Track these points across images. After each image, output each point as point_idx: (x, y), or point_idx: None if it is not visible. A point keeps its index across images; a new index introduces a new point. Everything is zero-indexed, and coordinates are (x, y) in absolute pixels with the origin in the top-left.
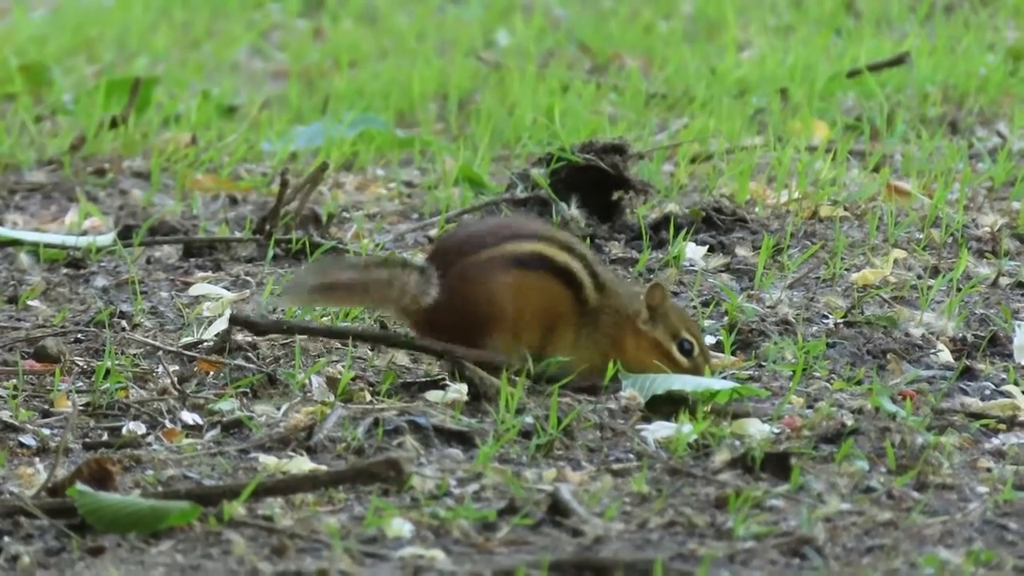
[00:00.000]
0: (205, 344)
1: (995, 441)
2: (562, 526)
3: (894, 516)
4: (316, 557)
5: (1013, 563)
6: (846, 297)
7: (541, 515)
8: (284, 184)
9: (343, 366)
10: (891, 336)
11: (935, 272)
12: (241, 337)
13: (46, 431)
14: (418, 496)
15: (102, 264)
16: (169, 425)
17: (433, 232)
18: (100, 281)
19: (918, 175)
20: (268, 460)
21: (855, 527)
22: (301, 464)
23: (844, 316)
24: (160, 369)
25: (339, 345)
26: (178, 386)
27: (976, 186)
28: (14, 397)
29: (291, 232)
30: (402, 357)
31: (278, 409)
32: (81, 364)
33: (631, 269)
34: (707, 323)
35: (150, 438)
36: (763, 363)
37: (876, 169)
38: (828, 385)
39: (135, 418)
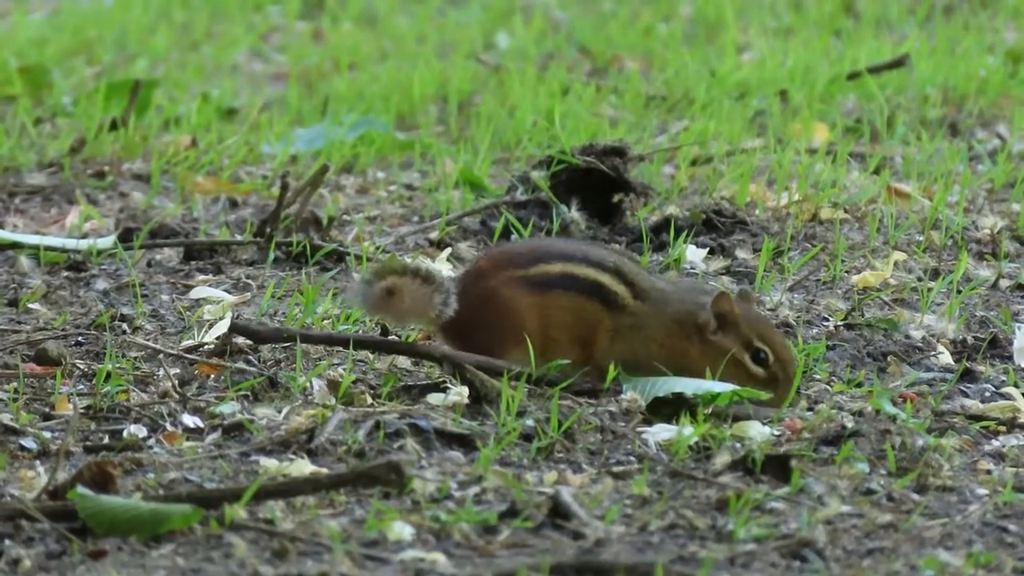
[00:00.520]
0: (206, 347)
1: (995, 443)
2: (563, 529)
3: (894, 518)
4: (317, 560)
5: (1013, 565)
6: (846, 299)
7: (542, 518)
8: (284, 187)
9: (344, 369)
10: (891, 338)
11: (935, 274)
12: (242, 340)
13: (47, 434)
14: (419, 499)
15: (103, 267)
16: (170, 428)
17: (434, 234)
18: (101, 284)
19: (918, 177)
20: (269, 463)
21: (855, 529)
22: (302, 467)
23: (844, 318)
24: (161, 372)
25: (340, 348)
26: (179, 389)
27: (976, 188)
28: (15, 400)
29: (292, 235)
30: (403, 360)
31: (279, 412)
32: (82, 367)
33: None
34: None
35: (151, 441)
36: None
37: (876, 171)
38: (828, 387)
39: (136, 421)
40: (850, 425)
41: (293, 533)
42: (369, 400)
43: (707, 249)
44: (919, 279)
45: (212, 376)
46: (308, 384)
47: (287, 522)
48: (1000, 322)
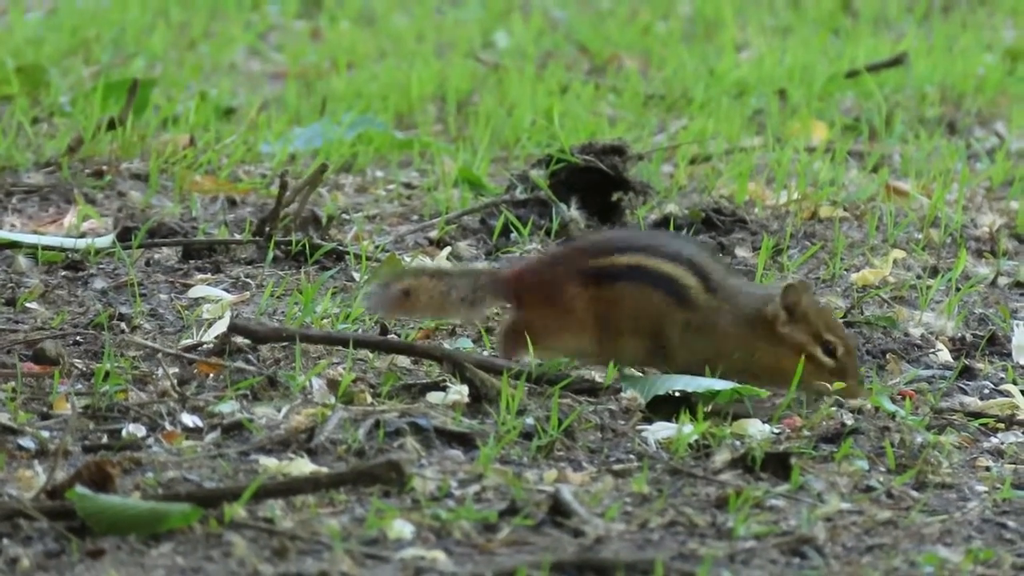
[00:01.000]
0: (205, 346)
1: (994, 440)
2: (563, 527)
3: (894, 515)
4: (317, 559)
5: (1012, 561)
6: (846, 297)
7: (542, 516)
8: (283, 186)
9: (344, 368)
10: (890, 336)
11: (934, 272)
12: (241, 339)
13: (45, 433)
14: (419, 497)
15: (101, 266)
16: (169, 427)
17: (433, 233)
18: (99, 283)
19: (917, 175)
20: (269, 462)
21: (855, 526)
22: (302, 466)
23: (844, 316)
24: (160, 371)
25: (339, 347)
26: (178, 388)
27: (974, 186)
28: (13, 400)
29: (291, 234)
30: (403, 359)
31: (279, 411)
32: (80, 366)
33: None
34: None
35: (150, 440)
36: None
37: (875, 169)
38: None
39: (135, 420)
40: (849, 423)
41: (293, 532)
42: (369, 399)
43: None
44: (918, 277)
45: (211, 375)
46: (308, 383)
47: (287, 521)
48: (999, 319)
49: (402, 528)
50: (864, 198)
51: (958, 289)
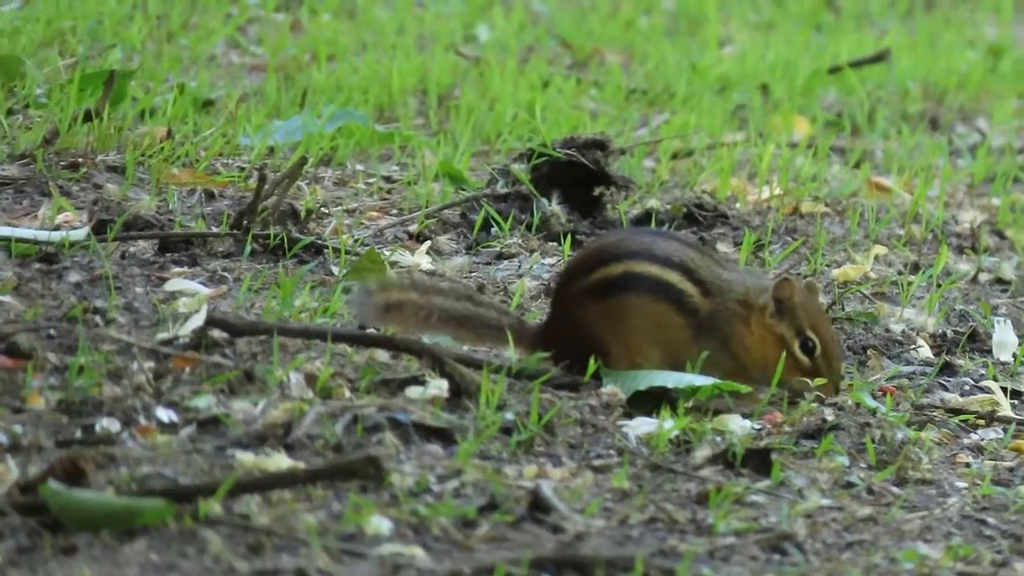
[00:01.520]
0: (181, 340)
1: (974, 436)
2: (543, 523)
3: (874, 511)
4: (294, 555)
5: (991, 557)
6: (827, 293)
7: (522, 512)
8: (262, 179)
9: (322, 362)
10: (872, 332)
11: (915, 268)
12: (218, 333)
13: (18, 428)
14: (397, 493)
15: (75, 259)
16: (144, 422)
17: (413, 227)
18: (73, 276)
19: (899, 171)
20: (245, 457)
21: (835, 522)
22: (279, 461)
23: (825, 312)
24: (135, 365)
25: (318, 341)
26: (153, 383)
27: (956, 182)
28: None
29: (269, 227)
30: (382, 353)
31: (255, 406)
32: (54, 360)
33: None
34: None
35: (124, 435)
36: None
37: (857, 165)
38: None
39: (109, 415)
40: (830, 419)
41: (269, 528)
42: (347, 394)
43: None
44: (899, 273)
45: (187, 369)
46: (285, 378)
47: (263, 516)
48: (979, 316)
49: (380, 524)
50: (846, 194)
51: (939, 285)
